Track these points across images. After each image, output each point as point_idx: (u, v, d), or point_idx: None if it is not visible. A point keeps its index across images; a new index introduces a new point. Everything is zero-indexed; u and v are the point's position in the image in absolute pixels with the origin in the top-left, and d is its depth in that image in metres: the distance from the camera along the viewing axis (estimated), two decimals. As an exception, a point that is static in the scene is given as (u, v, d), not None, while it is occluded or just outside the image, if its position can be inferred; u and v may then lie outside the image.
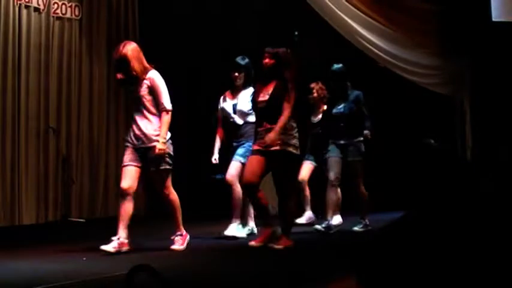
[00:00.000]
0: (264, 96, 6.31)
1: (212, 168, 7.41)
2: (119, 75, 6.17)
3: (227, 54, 8.26)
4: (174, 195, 6.22)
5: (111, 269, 5.07)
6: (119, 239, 5.98)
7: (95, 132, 9.64)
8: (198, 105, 10.02)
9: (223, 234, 6.90)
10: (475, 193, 2.42)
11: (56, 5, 9.17)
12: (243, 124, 7.01)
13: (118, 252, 5.90)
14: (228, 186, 6.94)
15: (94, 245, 6.06)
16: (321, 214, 8.10)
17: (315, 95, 8.27)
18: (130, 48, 6.10)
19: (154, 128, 6.08)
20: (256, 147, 6.28)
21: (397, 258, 2.11)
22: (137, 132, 6.10)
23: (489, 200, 2.25)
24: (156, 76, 6.15)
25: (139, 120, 6.10)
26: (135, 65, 6.06)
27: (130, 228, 6.11)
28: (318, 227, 7.30)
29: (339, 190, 7.53)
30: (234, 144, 7.01)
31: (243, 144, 6.92)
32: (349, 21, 9.01)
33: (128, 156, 6.13)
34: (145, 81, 6.10)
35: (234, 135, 7.06)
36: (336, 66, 7.48)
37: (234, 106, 7.02)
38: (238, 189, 6.86)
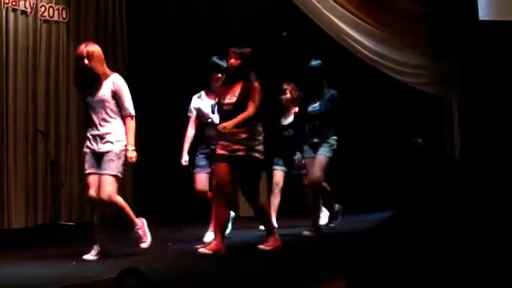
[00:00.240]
0: (231, 98, 6.13)
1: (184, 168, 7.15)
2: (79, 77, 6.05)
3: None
4: (118, 201, 5.94)
5: (100, 273, 5.08)
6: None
7: (84, 134, 9.61)
8: (186, 108, 10.00)
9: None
10: (462, 194, 2.43)
11: (43, 8, 9.15)
12: None
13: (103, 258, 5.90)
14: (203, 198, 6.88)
15: (83, 249, 6.04)
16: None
17: (288, 95, 8.06)
18: (94, 49, 5.96)
19: (114, 132, 5.92)
20: (220, 152, 6.11)
21: (385, 258, 2.12)
22: (96, 136, 5.93)
23: (476, 201, 2.26)
24: (120, 80, 6.01)
25: (99, 124, 5.93)
26: (97, 66, 5.92)
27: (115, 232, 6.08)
28: (306, 233, 7.18)
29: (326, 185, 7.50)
30: (212, 147, 6.71)
31: None
32: (337, 21, 9.04)
33: (88, 163, 5.96)
34: (107, 84, 5.95)
35: (211, 136, 6.81)
36: (313, 62, 7.24)
37: (213, 106, 6.87)
38: None
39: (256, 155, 6.05)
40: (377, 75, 9.43)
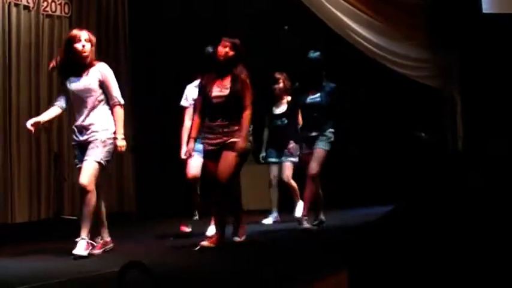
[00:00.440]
0: (221, 91, 5.91)
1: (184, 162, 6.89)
2: (58, 60, 5.85)
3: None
4: (91, 195, 5.65)
5: (103, 267, 5.09)
6: (101, 239, 5.99)
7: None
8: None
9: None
10: (465, 187, 2.43)
11: (45, 3, 9.13)
12: None
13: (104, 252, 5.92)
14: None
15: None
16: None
17: (281, 85, 8.09)
18: (92, 36, 5.84)
19: (100, 121, 5.75)
20: (209, 148, 5.95)
21: (388, 251, 2.12)
22: (82, 127, 5.77)
23: (479, 194, 2.26)
24: (107, 69, 5.85)
25: (84, 113, 5.76)
26: (92, 52, 5.80)
27: (118, 226, 6.08)
28: (307, 226, 7.16)
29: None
30: None
31: None
32: (338, 14, 9.04)
33: (77, 157, 5.84)
34: (94, 73, 5.78)
35: None
36: (313, 53, 7.12)
37: None
38: None
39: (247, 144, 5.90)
40: (378, 68, 9.42)
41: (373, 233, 2.30)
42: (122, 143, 5.77)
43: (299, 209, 7.88)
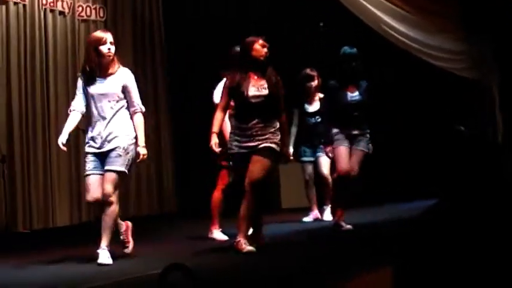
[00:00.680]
0: (260, 90, 5.73)
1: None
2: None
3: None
4: (114, 206, 5.53)
5: (144, 269, 5.10)
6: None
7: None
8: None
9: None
10: (507, 181, 2.39)
11: (80, 8, 9.23)
12: None
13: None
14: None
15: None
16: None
17: (316, 82, 7.92)
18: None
19: (121, 127, 5.55)
20: (239, 151, 5.74)
21: (434, 247, 2.09)
22: (101, 134, 5.53)
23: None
24: (131, 75, 5.68)
25: (104, 119, 5.54)
26: (117, 56, 5.68)
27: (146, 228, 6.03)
28: (345, 226, 6.94)
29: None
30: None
31: None
32: (372, 8, 8.97)
33: (91, 164, 5.55)
34: (118, 78, 5.60)
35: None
36: (349, 49, 6.84)
37: None
38: None
39: (275, 146, 5.73)
40: (415, 62, 9.30)
41: (420, 228, 2.27)
42: (143, 151, 5.60)
43: (327, 214, 7.90)
